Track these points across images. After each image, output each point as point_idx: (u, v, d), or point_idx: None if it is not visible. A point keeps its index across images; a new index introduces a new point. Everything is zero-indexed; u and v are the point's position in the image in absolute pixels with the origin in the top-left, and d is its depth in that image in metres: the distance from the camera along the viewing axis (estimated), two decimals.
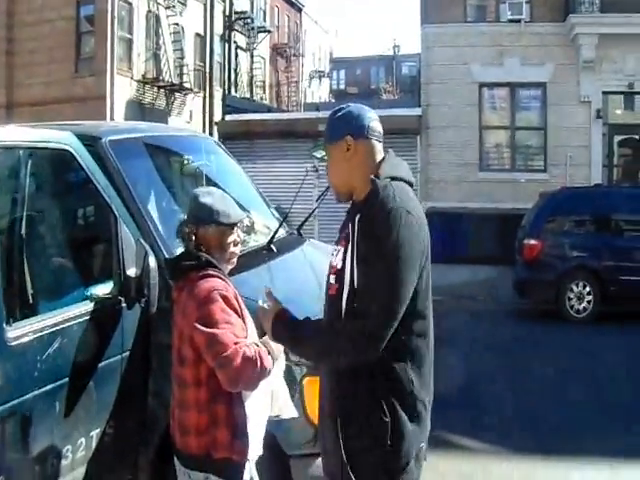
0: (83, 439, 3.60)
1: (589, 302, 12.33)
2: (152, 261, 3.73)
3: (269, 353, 3.08)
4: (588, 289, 12.35)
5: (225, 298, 3.08)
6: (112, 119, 23.32)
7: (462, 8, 20.26)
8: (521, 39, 19.41)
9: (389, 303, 2.58)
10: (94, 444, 3.69)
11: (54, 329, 3.38)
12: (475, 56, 19.65)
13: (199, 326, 3.00)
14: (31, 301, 3.52)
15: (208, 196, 3.25)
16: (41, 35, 24.37)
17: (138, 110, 24.89)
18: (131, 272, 3.73)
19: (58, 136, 3.69)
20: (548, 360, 9.36)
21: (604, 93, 19.34)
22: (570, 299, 12.41)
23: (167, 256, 3.90)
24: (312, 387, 3.71)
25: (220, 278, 3.15)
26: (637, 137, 20.00)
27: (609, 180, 19.17)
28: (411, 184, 2.83)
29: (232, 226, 3.26)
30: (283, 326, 2.85)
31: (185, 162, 5.47)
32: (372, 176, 2.72)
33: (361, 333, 2.57)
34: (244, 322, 3.16)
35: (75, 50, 25.22)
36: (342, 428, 2.68)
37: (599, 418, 7.08)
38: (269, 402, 3.31)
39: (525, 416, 7.20)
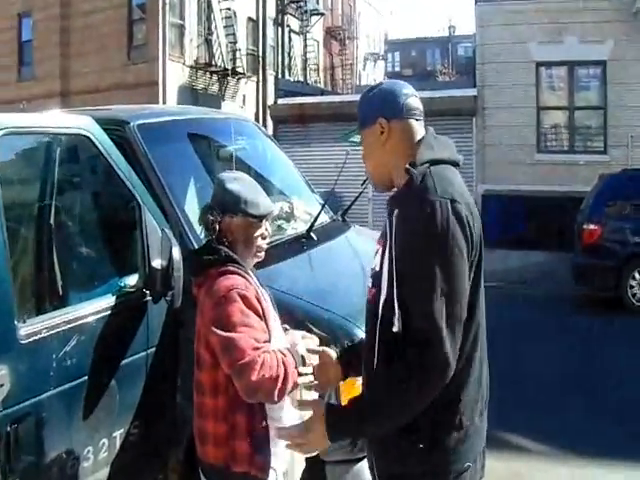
0: (105, 440, 3.41)
1: None
2: (177, 252, 3.50)
3: (296, 364, 2.80)
4: None
5: (245, 298, 2.80)
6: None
7: None
8: (580, 15, 18.66)
9: (452, 320, 2.24)
10: (118, 445, 3.50)
11: (72, 325, 3.19)
12: (531, 34, 18.98)
13: (215, 329, 2.74)
14: (49, 296, 3.35)
15: (235, 182, 2.98)
16: (94, 24, 24.52)
17: (191, 96, 24.84)
18: (156, 264, 3.50)
19: (76, 121, 3.50)
20: (610, 354, 8.90)
21: None
22: (632, 287, 11.81)
23: (196, 246, 3.70)
24: (348, 386, 3.45)
25: (241, 275, 2.88)
26: None
27: None
28: (457, 163, 2.50)
29: (260, 218, 2.98)
30: (337, 417, 2.39)
31: (221, 146, 5.22)
32: (407, 165, 2.38)
33: (433, 367, 2.22)
34: (267, 325, 2.88)
35: (127, 38, 25.30)
36: (375, 455, 2.42)
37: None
38: (296, 412, 3.05)
39: (584, 416, 6.83)
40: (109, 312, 3.39)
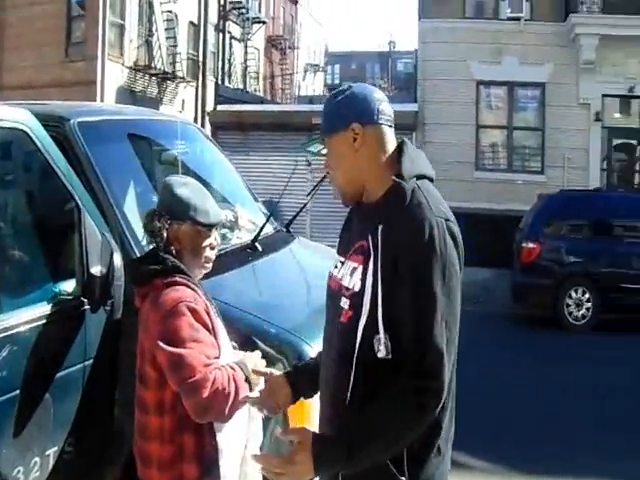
0: (38, 459, 3.15)
1: (588, 309, 11.95)
2: (118, 259, 3.27)
3: (247, 378, 2.63)
4: (587, 296, 11.96)
5: (194, 311, 2.61)
6: None
7: (461, 3, 19.78)
8: (520, 38, 18.99)
9: (450, 347, 2.11)
10: (51, 464, 3.23)
11: (3, 334, 2.94)
12: (473, 53, 19.23)
13: (162, 344, 2.53)
14: None
15: (184, 188, 2.79)
16: (31, 18, 23.80)
17: (129, 97, 24.36)
18: (96, 270, 3.25)
19: (12, 114, 3.23)
20: (544, 371, 8.98)
21: (604, 96, 18.95)
22: (569, 305, 12.02)
23: (137, 254, 3.48)
24: (297, 411, 3.27)
25: (189, 287, 2.69)
26: (635, 142, 19.73)
27: (607, 184, 18.81)
28: (432, 179, 2.32)
29: (210, 227, 2.80)
30: (325, 447, 2.11)
31: (164, 149, 5.00)
32: (394, 177, 2.20)
33: (434, 394, 2.08)
34: (216, 339, 2.69)
35: (66, 34, 24.70)
36: None
37: (598, 434, 6.77)
38: (247, 431, 2.86)
39: (518, 431, 6.84)
40: (44, 321, 3.14)
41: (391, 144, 2.31)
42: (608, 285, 11.89)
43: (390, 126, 2.32)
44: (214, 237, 2.85)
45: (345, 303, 2.26)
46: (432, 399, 2.08)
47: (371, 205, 2.27)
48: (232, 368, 2.62)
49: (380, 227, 2.16)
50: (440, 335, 2.07)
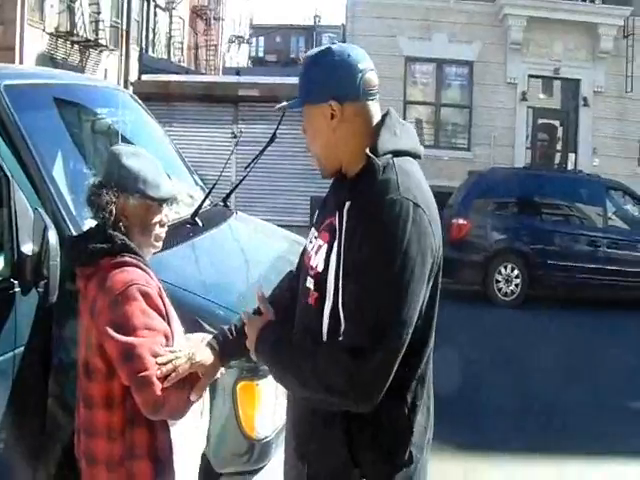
0: None
1: (517, 285, 12.13)
2: (53, 236, 2.93)
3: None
4: (516, 272, 12.13)
5: (146, 295, 2.39)
6: None
7: None
8: (450, 15, 19.03)
9: (396, 336, 1.91)
10: None
11: None
12: (402, 29, 19.20)
13: (112, 332, 2.30)
14: None
15: (134, 158, 2.54)
16: None
17: (50, 65, 23.35)
18: (27, 249, 2.95)
19: None
20: (473, 344, 8.96)
21: (530, 76, 19.24)
22: (498, 282, 12.18)
23: (73, 230, 3.20)
24: (247, 393, 3.12)
25: (140, 268, 2.45)
26: (557, 123, 20.10)
27: (532, 162, 19.10)
28: (418, 156, 2.14)
29: (161, 202, 2.55)
30: (269, 342, 2.14)
31: (97, 116, 4.70)
32: (367, 151, 2.01)
33: (364, 381, 1.90)
34: (169, 325, 2.46)
35: None
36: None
37: (520, 407, 6.85)
38: (202, 424, 2.65)
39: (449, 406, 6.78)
40: None
41: (375, 118, 2.12)
42: (535, 262, 12.09)
43: (374, 99, 2.13)
44: (165, 213, 2.61)
45: (310, 283, 2.11)
46: (364, 384, 1.90)
47: (346, 181, 2.10)
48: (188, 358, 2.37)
49: (347, 204, 2.00)
50: (390, 314, 1.91)
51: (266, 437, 3.20)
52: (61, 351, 3.13)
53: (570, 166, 18.82)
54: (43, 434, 3.18)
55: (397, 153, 2.05)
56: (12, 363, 3.05)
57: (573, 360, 8.41)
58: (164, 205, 2.60)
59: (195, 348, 2.38)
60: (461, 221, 12.39)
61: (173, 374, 2.31)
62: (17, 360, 3.06)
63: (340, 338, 1.95)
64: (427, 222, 1.97)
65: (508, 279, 12.16)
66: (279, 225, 5.83)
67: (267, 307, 2.29)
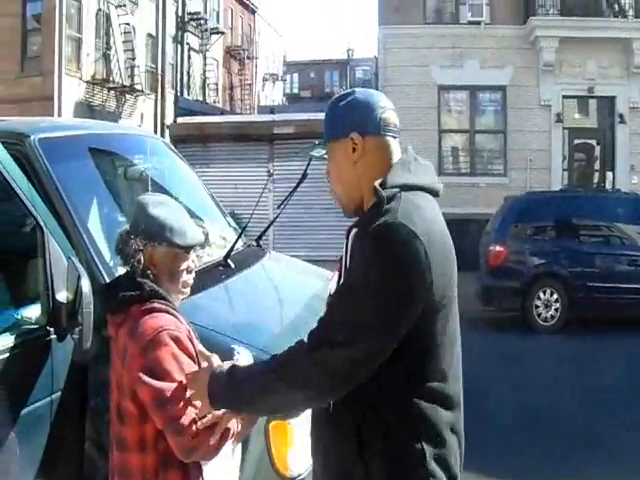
0: None
1: (556, 310, 11.98)
2: (86, 284, 3.03)
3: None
4: (555, 296, 11.99)
5: (176, 339, 2.43)
6: None
7: (421, 9, 19.80)
8: (481, 41, 19.07)
9: (363, 333, 1.97)
10: None
11: None
12: (434, 58, 19.28)
13: (144, 377, 2.34)
14: None
15: (161, 207, 2.59)
16: None
17: (87, 112, 24.01)
18: (62, 297, 3.05)
19: None
20: (517, 371, 8.92)
21: (564, 97, 19.14)
22: (537, 307, 12.04)
23: (106, 278, 3.29)
24: (279, 433, 3.16)
25: (169, 313, 2.50)
26: (594, 142, 19.91)
27: (569, 184, 18.97)
28: (435, 192, 2.21)
29: (187, 249, 2.61)
30: (218, 379, 2.19)
31: (129, 165, 4.81)
32: (376, 183, 2.07)
33: (327, 359, 1.98)
34: (199, 367, 2.48)
35: (21, 49, 24.27)
36: None
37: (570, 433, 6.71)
38: (233, 464, 2.68)
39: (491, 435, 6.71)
40: (7, 354, 2.92)
41: (395, 154, 2.20)
42: (575, 285, 11.93)
43: (395, 137, 2.20)
44: (192, 260, 2.67)
45: (322, 311, 2.17)
46: (318, 366, 1.99)
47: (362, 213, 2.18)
48: None
49: (353, 231, 2.10)
50: (357, 316, 1.98)
51: (299, 475, 3.23)
52: (97, 395, 3.18)
53: (608, 185, 18.68)
54: (81, 477, 3.26)
55: (408, 187, 2.10)
56: (49, 408, 3.13)
57: (621, 384, 8.25)
58: (191, 252, 2.65)
59: None
60: (498, 248, 12.29)
61: (209, 416, 2.35)
62: (54, 405, 3.14)
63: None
64: (422, 252, 1.98)
65: (547, 304, 12.01)
66: (318, 260, 5.87)
67: (207, 356, 2.36)
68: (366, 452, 2.04)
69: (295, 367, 2.04)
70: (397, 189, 2.07)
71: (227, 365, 2.24)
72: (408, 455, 2.03)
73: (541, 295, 12.04)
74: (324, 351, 1.98)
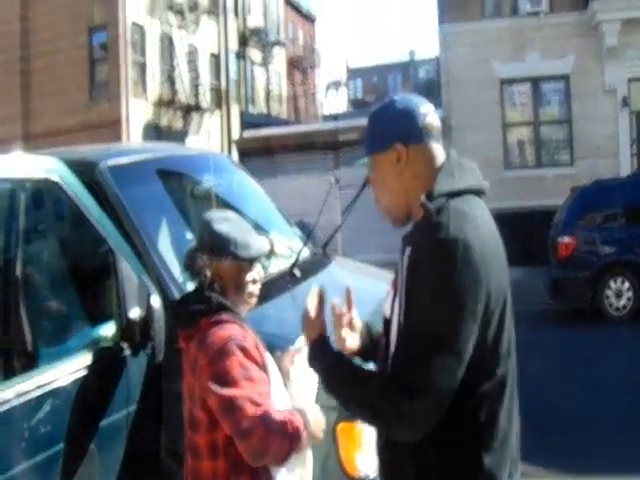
0: None
1: (629, 298, 11.80)
2: (156, 301, 3.24)
3: (306, 423, 2.55)
4: (627, 285, 11.81)
5: (244, 349, 2.54)
6: None
7: (479, 4, 19.74)
8: (541, 32, 18.87)
9: (446, 375, 1.94)
10: None
11: (45, 389, 2.91)
12: (495, 53, 19.15)
13: (213, 386, 2.46)
14: (17, 357, 3.05)
15: (224, 222, 2.72)
16: (55, 65, 24.19)
17: (155, 133, 24.58)
18: (134, 314, 3.23)
19: (42, 164, 3.23)
20: (596, 363, 8.79)
21: (630, 80, 18.73)
22: (608, 297, 11.88)
23: (177, 294, 3.46)
24: (347, 434, 3.24)
25: (236, 324, 2.62)
26: None
27: (639, 170, 18.46)
28: (481, 192, 2.20)
29: (252, 261, 2.73)
30: (325, 352, 2.23)
31: (195, 184, 4.99)
32: (423, 197, 2.06)
33: (412, 419, 1.96)
34: (267, 374, 2.63)
35: (89, 77, 25.01)
36: None
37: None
38: (306, 471, 2.75)
39: (574, 431, 6.67)
40: (85, 371, 3.11)
41: (439, 159, 2.18)
42: None
43: (438, 141, 2.19)
44: (257, 271, 2.78)
45: (381, 328, 2.22)
46: (409, 416, 1.96)
47: (411, 230, 2.18)
48: (290, 413, 2.56)
49: (407, 250, 2.09)
50: (428, 365, 1.93)
51: (368, 476, 3.28)
52: (170, 406, 3.33)
53: None
54: None
55: (454, 194, 2.09)
56: (126, 420, 3.32)
57: None
58: (255, 263, 2.76)
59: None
60: (567, 239, 12.15)
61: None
62: (131, 417, 3.33)
63: (390, 371, 2.05)
64: (479, 259, 1.96)
65: (619, 293, 11.85)
66: (388, 263, 5.94)
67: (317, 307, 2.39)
68: (420, 460, 2.07)
69: (371, 400, 2.03)
70: (444, 198, 2.06)
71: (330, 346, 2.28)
72: (461, 463, 2.05)
73: (612, 285, 11.89)
74: (399, 396, 1.96)
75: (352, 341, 2.42)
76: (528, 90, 19.74)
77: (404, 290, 2.05)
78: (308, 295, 2.42)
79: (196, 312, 2.64)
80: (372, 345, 2.42)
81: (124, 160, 4.24)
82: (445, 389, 1.95)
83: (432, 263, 1.97)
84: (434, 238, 1.98)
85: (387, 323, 2.16)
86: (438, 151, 2.19)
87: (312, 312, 2.37)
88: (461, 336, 1.95)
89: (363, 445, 3.27)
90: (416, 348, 1.96)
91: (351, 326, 2.47)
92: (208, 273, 2.67)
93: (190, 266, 2.72)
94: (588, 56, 18.75)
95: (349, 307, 2.49)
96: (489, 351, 2.03)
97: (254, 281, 2.78)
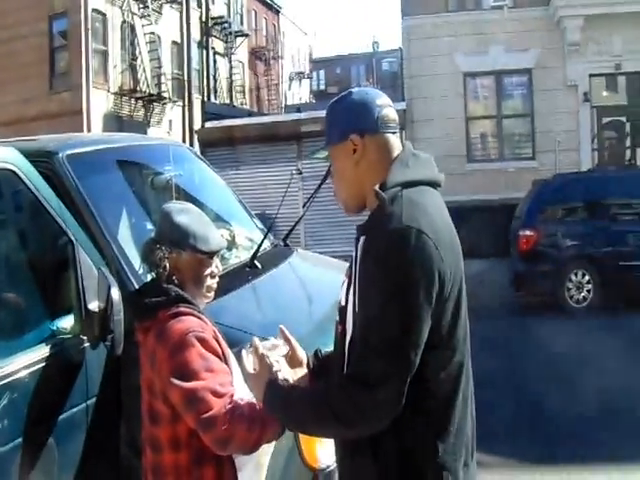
0: None
1: (589, 291, 11.99)
2: (116, 293, 3.17)
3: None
4: (587, 277, 11.99)
5: (203, 340, 2.50)
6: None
7: None
8: (505, 26, 18.99)
9: (402, 363, 1.97)
10: None
11: (2, 382, 2.85)
12: (458, 46, 19.28)
13: (174, 380, 2.43)
14: None
15: (184, 215, 2.68)
16: (14, 52, 23.89)
17: (116, 123, 24.38)
18: (93, 306, 3.19)
19: None
20: (554, 355, 8.88)
21: (591, 75, 18.98)
22: (569, 289, 12.05)
23: (136, 285, 3.41)
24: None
25: (195, 316, 2.59)
26: (623, 119, 19.72)
27: (599, 163, 18.85)
28: (436, 184, 2.22)
29: (211, 254, 2.70)
30: (275, 394, 2.24)
31: (155, 174, 4.94)
32: (376, 187, 2.09)
33: (373, 405, 1.99)
34: (227, 365, 2.59)
35: (49, 66, 24.79)
36: None
37: (610, 420, 6.67)
38: (265, 460, 2.74)
39: (532, 419, 6.75)
40: (43, 363, 3.06)
41: (395, 150, 2.21)
42: (607, 265, 11.89)
43: (394, 132, 2.23)
44: (215, 265, 2.75)
45: (338, 316, 2.24)
46: (373, 408, 2.00)
47: (365, 222, 2.20)
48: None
49: (362, 239, 2.12)
50: (383, 353, 1.97)
51: (328, 467, 3.29)
52: (130, 399, 3.27)
53: (639, 161, 18.50)
54: (118, 479, 3.38)
55: (408, 184, 2.11)
56: (85, 414, 3.27)
57: None
58: (214, 257, 2.73)
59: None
60: (528, 232, 12.28)
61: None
62: (90, 410, 3.28)
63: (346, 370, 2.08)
64: (433, 247, 1.98)
65: (579, 286, 12.04)
66: (350, 255, 5.93)
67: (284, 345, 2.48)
68: (379, 448, 2.08)
69: (330, 404, 2.05)
70: (398, 188, 2.09)
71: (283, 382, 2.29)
72: (420, 449, 2.07)
73: (573, 277, 12.06)
74: (357, 391, 2.00)
75: (298, 376, 2.44)
76: (491, 84, 19.89)
77: (358, 279, 2.08)
78: (243, 359, 2.44)
79: (153, 304, 2.60)
80: (324, 367, 2.45)
81: (83, 150, 4.18)
82: (404, 378, 1.98)
83: (385, 252, 1.99)
84: (387, 227, 2.01)
85: (343, 311, 2.19)
86: (394, 142, 2.22)
87: (251, 370, 2.38)
88: (416, 325, 1.98)
89: (324, 443, 3.26)
90: (372, 341, 1.99)
91: (294, 361, 2.50)
92: (167, 265, 2.63)
93: (148, 258, 2.68)
94: (551, 51, 18.94)
95: (288, 342, 2.55)
96: (445, 339, 2.06)
97: (212, 275, 2.75)
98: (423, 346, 2.00)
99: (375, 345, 1.98)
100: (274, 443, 2.74)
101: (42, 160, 3.71)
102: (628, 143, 19.84)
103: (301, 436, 3.22)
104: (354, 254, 2.14)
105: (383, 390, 1.97)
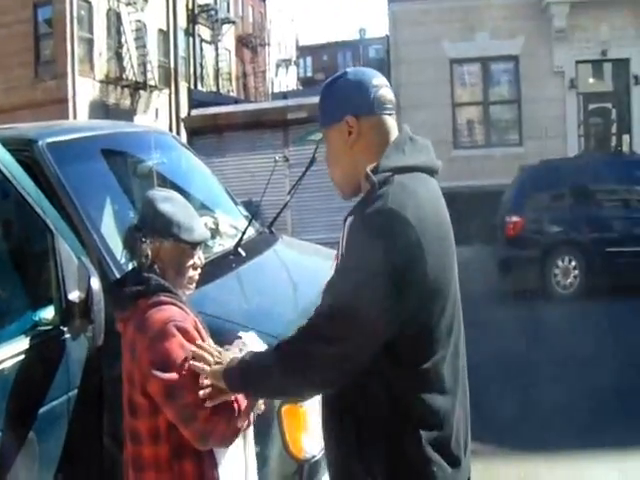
0: None
1: (575, 277, 12.00)
2: (96, 283, 3.12)
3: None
4: (574, 263, 12.00)
5: (183, 330, 2.45)
6: None
7: None
8: (491, 12, 18.88)
9: (354, 323, 1.96)
10: None
11: None
12: (445, 32, 19.17)
13: (153, 371, 2.37)
14: None
15: (168, 203, 2.60)
16: None
17: (102, 111, 24.20)
18: (74, 296, 3.12)
19: None
20: (540, 341, 8.94)
21: (577, 62, 18.97)
22: (556, 275, 12.07)
23: (118, 275, 3.36)
24: (292, 417, 3.21)
25: (176, 305, 2.53)
26: (609, 105, 19.76)
27: (585, 150, 18.85)
28: (432, 170, 2.18)
29: (194, 245, 2.63)
30: (232, 363, 2.25)
31: (139, 162, 4.88)
32: (368, 169, 2.05)
33: (322, 356, 2.01)
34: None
35: (34, 54, 24.52)
36: None
37: (602, 407, 6.66)
38: (249, 451, 2.70)
39: (523, 408, 6.72)
40: (23, 355, 2.99)
41: (392, 133, 2.17)
42: (593, 251, 11.89)
43: (390, 114, 2.18)
44: (198, 256, 2.69)
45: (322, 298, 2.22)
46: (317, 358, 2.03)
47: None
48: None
49: (349, 219, 2.09)
50: (346, 306, 1.98)
51: (314, 457, 3.28)
52: (111, 390, 3.21)
53: (626, 148, 18.53)
54: (101, 471, 3.34)
55: (401, 170, 2.07)
56: (67, 406, 3.21)
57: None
58: (197, 248, 2.67)
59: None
60: (514, 218, 12.27)
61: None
62: (71, 402, 3.22)
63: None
64: (412, 234, 1.95)
65: (566, 272, 12.04)
66: (337, 242, 5.90)
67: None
68: (363, 438, 2.06)
69: (291, 359, 2.07)
70: (390, 172, 2.04)
71: (244, 352, 2.31)
72: (404, 441, 2.04)
73: (559, 263, 12.08)
74: (317, 345, 2.00)
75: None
76: (478, 70, 19.85)
77: (341, 256, 2.09)
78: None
79: (134, 293, 2.54)
80: None
81: (64, 137, 4.12)
82: (357, 342, 1.98)
83: (364, 230, 1.98)
84: (373, 208, 1.98)
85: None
86: (391, 125, 2.18)
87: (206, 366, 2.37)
88: (375, 299, 1.95)
89: (308, 426, 3.26)
90: (327, 300, 2.07)
91: None
92: (149, 254, 2.57)
93: (130, 245, 2.62)
94: (537, 37, 18.89)
95: None
96: (425, 331, 2.03)
97: (195, 266, 2.69)
98: (389, 327, 1.98)
99: (329, 304, 2.04)
100: (253, 435, 2.73)
101: (22, 148, 3.66)
102: (614, 130, 19.87)
103: (285, 426, 3.21)
104: (342, 233, 2.12)
105: (334, 347, 1.98)
